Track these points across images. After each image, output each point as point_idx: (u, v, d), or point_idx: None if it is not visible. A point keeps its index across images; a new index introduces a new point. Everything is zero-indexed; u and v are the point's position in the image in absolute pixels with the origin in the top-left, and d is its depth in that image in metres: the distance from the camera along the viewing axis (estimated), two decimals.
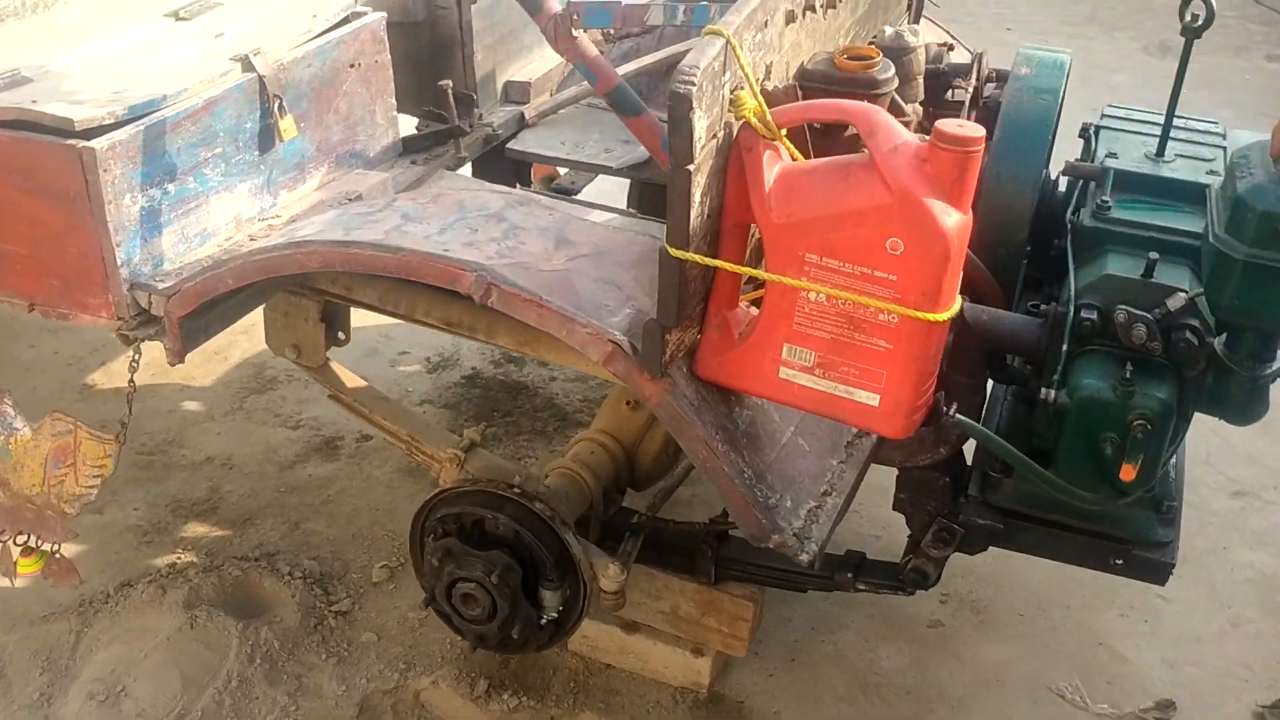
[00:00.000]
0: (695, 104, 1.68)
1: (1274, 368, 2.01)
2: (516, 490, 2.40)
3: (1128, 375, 2.03)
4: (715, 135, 1.80)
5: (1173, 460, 2.48)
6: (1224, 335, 2.03)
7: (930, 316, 1.79)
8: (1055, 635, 3.01)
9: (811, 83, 2.14)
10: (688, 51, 1.72)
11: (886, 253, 1.78)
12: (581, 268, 2.04)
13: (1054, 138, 2.76)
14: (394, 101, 2.88)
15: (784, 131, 1.86)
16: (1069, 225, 2.27)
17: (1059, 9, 7.52)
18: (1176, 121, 2.56)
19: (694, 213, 1.77)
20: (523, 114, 3.28)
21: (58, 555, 2.65)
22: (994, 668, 2.91)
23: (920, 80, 2.39)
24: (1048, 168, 2.53)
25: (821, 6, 2.19)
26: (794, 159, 1.89)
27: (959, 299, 1.89)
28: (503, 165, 3.41)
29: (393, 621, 2.92)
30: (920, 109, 2.71)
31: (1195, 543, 3.30)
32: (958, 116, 2.80)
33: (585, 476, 2.61)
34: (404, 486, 3.34)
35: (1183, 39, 2.30)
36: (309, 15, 2.66)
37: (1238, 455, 3.63)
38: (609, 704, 2.76)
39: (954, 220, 1.76)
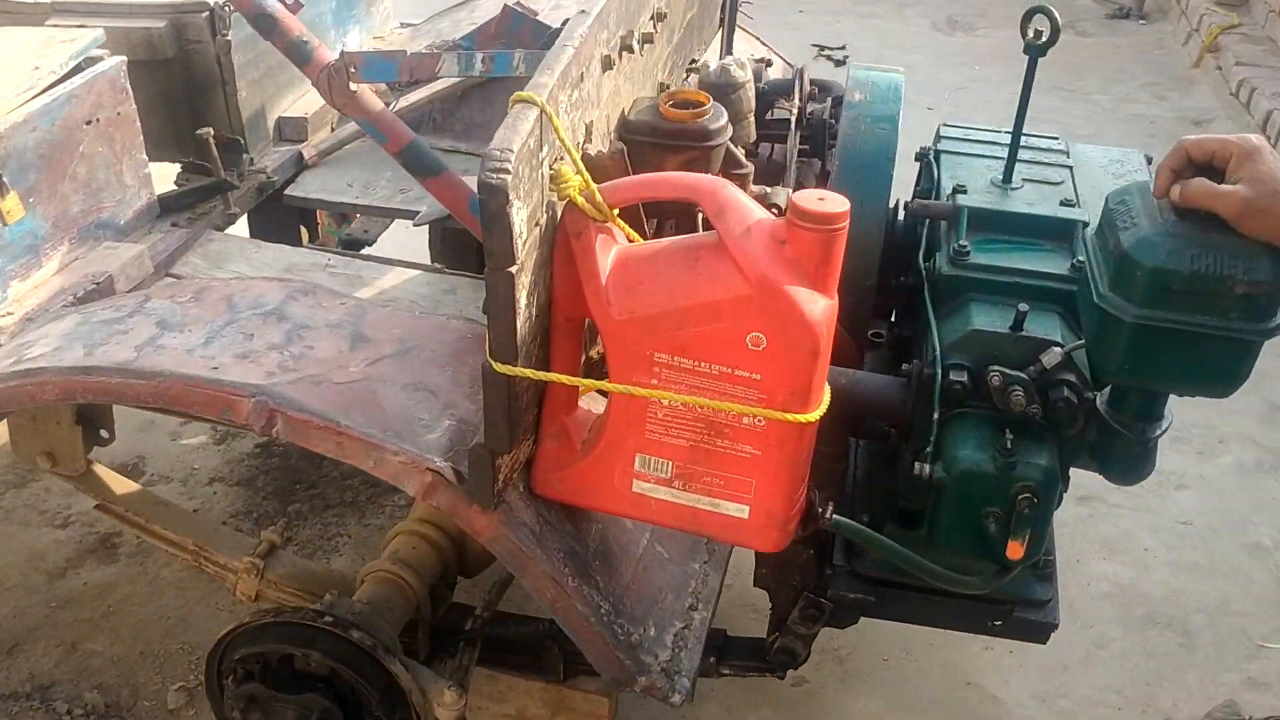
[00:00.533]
0: (512, 194, 1.38)
1: (1164, 426, 1.84)
2: (328, 620, 2.06)
3: (1009, 444, 1.84)
4: (537, 223, 1.50)
5: None
6: (1107, 393, 1.86)
7: (801, 418, 1.55)
8: (922, 679, 2.85)
9: (636, 136, 1.86)
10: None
11: (748, 349, 1.52)
12: (386, 373, 1.71)
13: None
14: (144, 157, 2.47)
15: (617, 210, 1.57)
16: (924, 273, 2.06)
17: None
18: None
19: (521, 319, 1.47)
20: (300, 153, 2.90)
21: None
22: None
23: (752, 118, 2.14)
24: None
25: (639, 43, 1.91)
26: (630, 239, 1.61)
27: (828, 390, 1.64)
28: (284, 215, 3.03)
29: None
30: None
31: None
32: (784, 138, 2.59)
33: (407, 578, 2.28)
34: (197, 587, 2.93)
35: (1026, 56, 2.11)
36: (29, 68, 2.22)
37: None
38: None
39: (821, 308, 1.51)
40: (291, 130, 2.93)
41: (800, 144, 2.59)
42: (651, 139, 1.86)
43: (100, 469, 2.47)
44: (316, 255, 2.50)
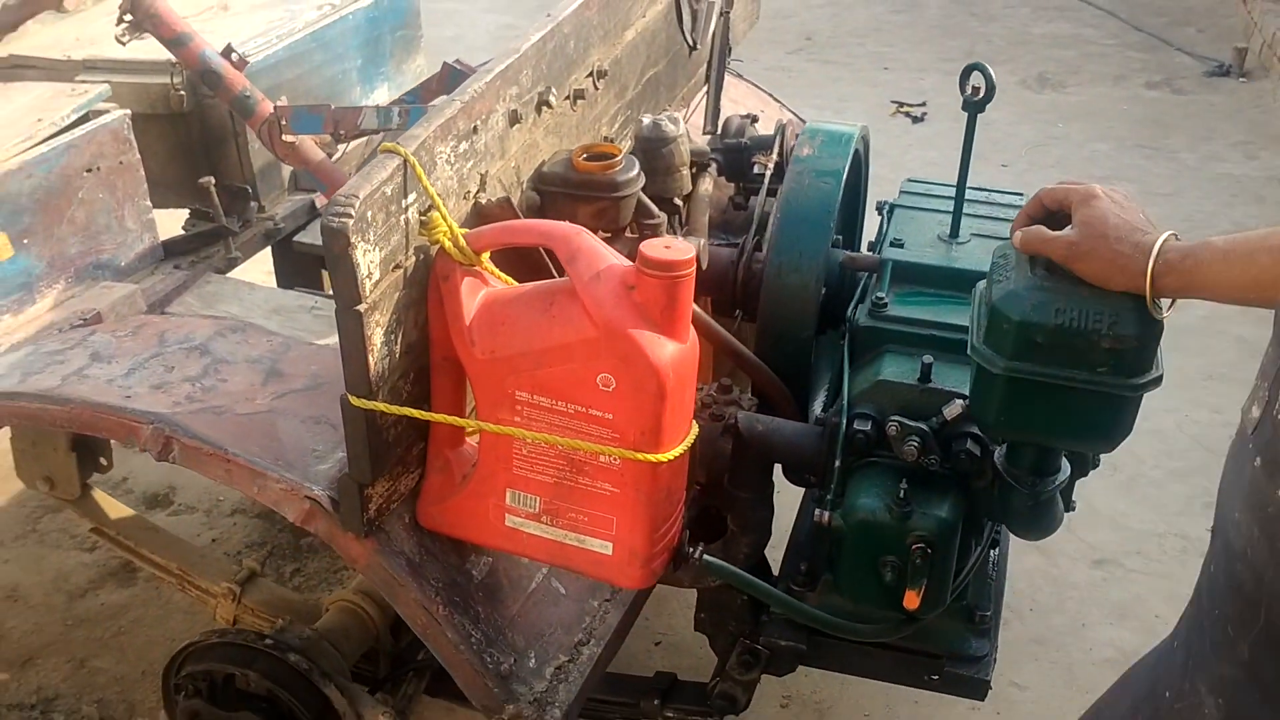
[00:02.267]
0: (355, 238, 1.47)
1: (1057, 481, 1.82)
2: (268, 642, 2.16)
3: (903, 494, 1.84)
4: (400, 266, 1.59)
5: (992, 563, 2.31)
6: (1004, 447, 1.85)
7: (652, 457, 1.59)
8: None
9: (549, 185, 1.94)
10: None
11: (599, 389, 1.57)
12: (290, 406, 1.82)
13: (853, 218, 2.59)
14: (149, 204, 2.65)
15: (487, 256, 1.65)
16: (846, 324, 2.08)
17: (936, 46, 7.43)
18: (979, 195, 2.40)
19: (376, 355, 1.56)
20: (313, 203, 3.06)
21: None
22: None
23: (685, 171, 2.20)
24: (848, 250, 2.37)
25: (562, 100, 1.99)
26: (504, 283, 1.68)
27: (694, 429, 1.68)
28: (306, 261, 3.19)
29: None
30: (714, 185, 2.54)
31: (1053, 620, 3.13)
32: (756, 191, 2.64)
33: (368, 608, 2.37)
34: (205, 613, 3.06)
35: (966, 113, 2.12)
36: (33, 120, 2.42)
37: (1100, 520, 3.47)
38: None
39: (668, 352, 1.56)
40: (306, 180, 3.09)
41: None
42: (563, 189, 1.94)
43: (98, 494, 2.63)
44: (305, 298, 2.64)
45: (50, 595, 3.13)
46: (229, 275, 2.78)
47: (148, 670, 2.91)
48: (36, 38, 3.00)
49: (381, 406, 1.58)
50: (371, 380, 1.56)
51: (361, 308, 1.51)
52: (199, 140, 2.91)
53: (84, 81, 2.69)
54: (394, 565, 1.68)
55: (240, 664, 2.16)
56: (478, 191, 1.77)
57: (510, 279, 1.69)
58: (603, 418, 1.59)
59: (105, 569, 3.22)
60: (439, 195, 1.63)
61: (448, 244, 1.61)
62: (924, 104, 6.83)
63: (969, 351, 1.69)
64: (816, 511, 1.92)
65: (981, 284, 1.85)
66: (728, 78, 3.09)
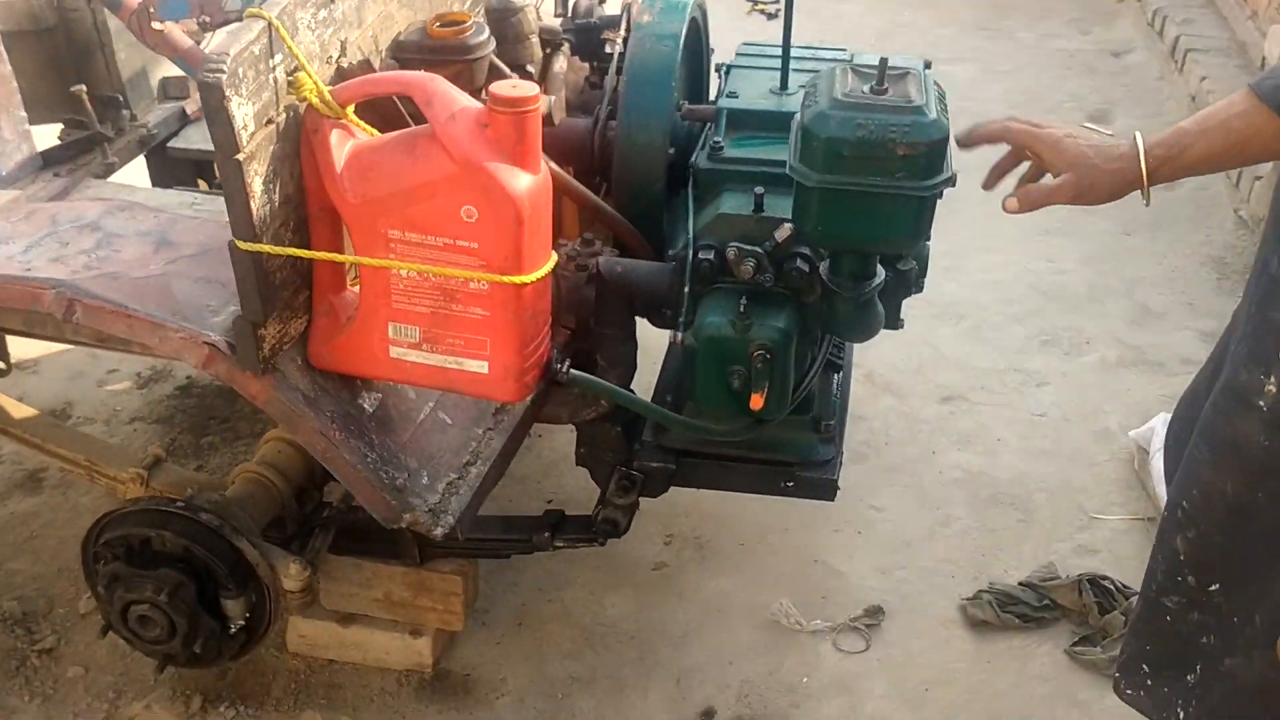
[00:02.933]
0: (229, 91, 1.63)
1: (874, 283, 2.08)
2: (180, 504, 2.33)
3: (743, 309, 2.08)
4: (272, 121, 1.76)
5: (836, 380, 2.58)
6: (827, 261, 2.10)
7: (516, 279, 1.80)
8: (774, 559, 3.09)
9: (406, 54, 2.11)
10: None
11: (463, 221, 1.77)
12: (182, 269, 1.98)
13: (699, 84, 2.79)
14: (23, 114, 2.74)
15: (353, 108, 1.83)
16: (690, 169, 2.30)
17: None
18: (806, 53, 2.62)
19: (257, 202, 1.73)
20: (184, 110, 3.17)
21: None
22: (715, 599, 2.97)
23: (534, 39, 2.38)
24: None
25: None
26: (370, 135, 1.86)
27: (553, 256, 1.89)
28: (181, 167, 3.29)
29: (102, 652, 2.81)
30: (569, 65, 2.73)
31: (906, 450, 3.44)
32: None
33: (272, 478, 2.55)
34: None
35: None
36: None
37: (948, 362, 3.78)
38: (332, 699, 2.73)
39: (523, 182, 1.76)
40: (175, 89, 3.19)
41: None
42: (419, 56, 2.11)
43: (1, 398, 2.75)
44: (185, 195, 2.76)
45: None
46: (109, 180, 2.89)
47: (63, 568, 3.05)
48: None
49: (266, 248, 1.76)
50: (255, 225, 1.73)
51: (240, 156, 1.68)
52: (66, 54, 2.98)
53: None
54: (291, 399, 1.87)
55: (155, 526, 2.33)
56: (339, 57, 1.94)
57: (376, 131, 1.87)
58: (469, 247, 1.79)
59: (10, 481, 3.33)
60: (304, 57, 1.79)
61: (315, 100, 1.78)
62: (778, 1, 7.03)
63: (788, 170, 1.92)
64: (672, 334, 2.15)
65: (797, 115, 2.08)
66: None
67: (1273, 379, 1.65)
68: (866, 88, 1.89)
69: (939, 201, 1.91)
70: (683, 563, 3.09)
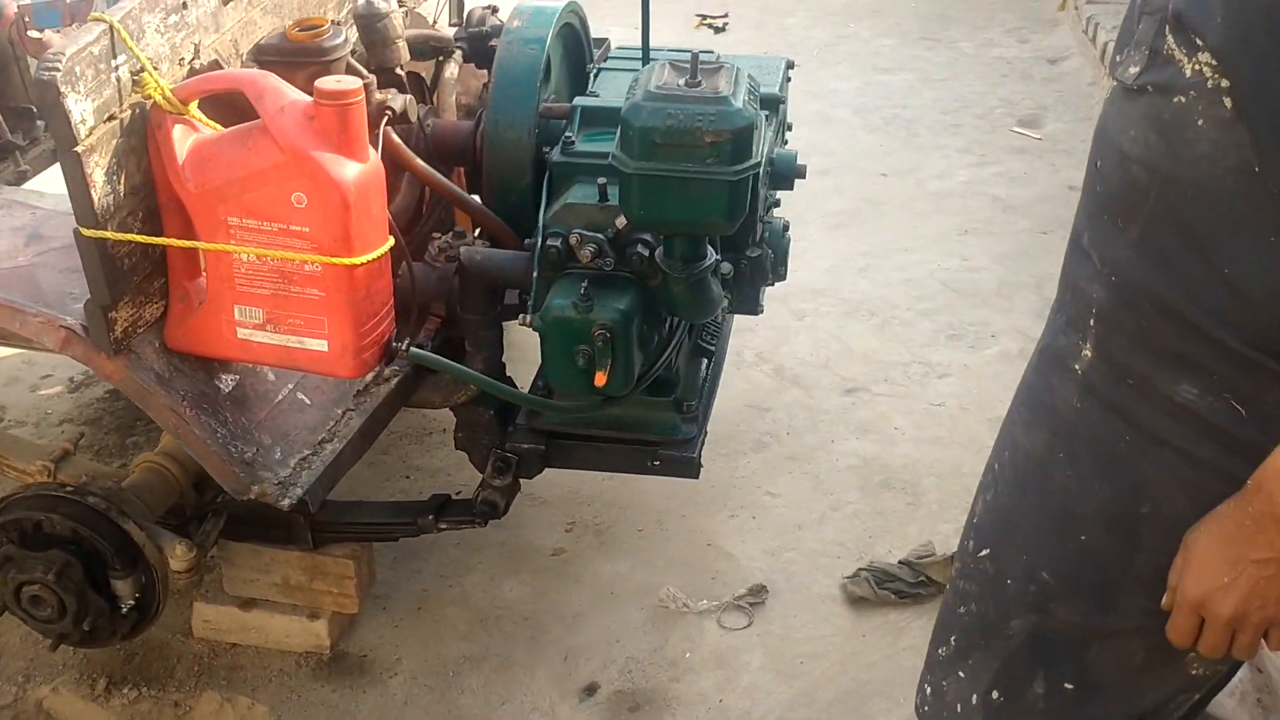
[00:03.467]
0: (65, 88, 1.77)
1: (703, 265, 2.20)
2: (69, 489, 2.46)
3: (583, 292, 2.21)
4: (114, 117, 1.89)
5: (705, 364, 2.70)
6: (661, 246, 2.22)
7: (346, 261, 1.93)
8: (669, 544, 3.21)
9: (266, 57, 2.24)
10: None
11: (295, 207, 1.90)
12: (50, 261, 2.11)
13: (582, 87, 2.93)
14: None
15: (196, 105, 1.96)
16: (547, 163, 2.43)
17: None
18: (673, 56, 2.75)
19: (99, 192, 1.86)
20: None
21: None
22: (609, 583, 3.09)
23: (401, 43, 2.52)
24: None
25: None
26: (213, 129, 2.00)
27: (389, 240, 2.02)
28: None
29: (15, 639, 2.93)
30: (461, 71, 2.87)
31: (805, 440, 3.55)
32: None
33: (170, 467, 2.67)
34: None
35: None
36: None
37: (855, 356, 3.90)
38: (232, 680, 2.84)
39: (350, 170, 1.89)
40: None
41: None
42: (278, 58, 2.24)
43: None
44: (15, 198, 2.89)
45: None
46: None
47: None
48: None
49: (109, 235, 1.89)
50: (98, 213, 1.86)
51: (79, 149, 1.81)
52: None
53: None
54: (143, 378, 2.00)
55: (44, 510, 2.45)
56: (192, 59, 2.07)
57: (220, 127, 2.01)
58: (301, 231, 1.92)
59: None
60: (149, 59, 1.93)
61: (158, 97, 1.92)
62: (725, 15, 7.17)
63: (610, 159, 2.05)
64: (520, 316, 2.28)
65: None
66: None
67: (1088, 344, 1.74)
68: (681, 81, 2.01)
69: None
70: (581, 549, 3.21)
